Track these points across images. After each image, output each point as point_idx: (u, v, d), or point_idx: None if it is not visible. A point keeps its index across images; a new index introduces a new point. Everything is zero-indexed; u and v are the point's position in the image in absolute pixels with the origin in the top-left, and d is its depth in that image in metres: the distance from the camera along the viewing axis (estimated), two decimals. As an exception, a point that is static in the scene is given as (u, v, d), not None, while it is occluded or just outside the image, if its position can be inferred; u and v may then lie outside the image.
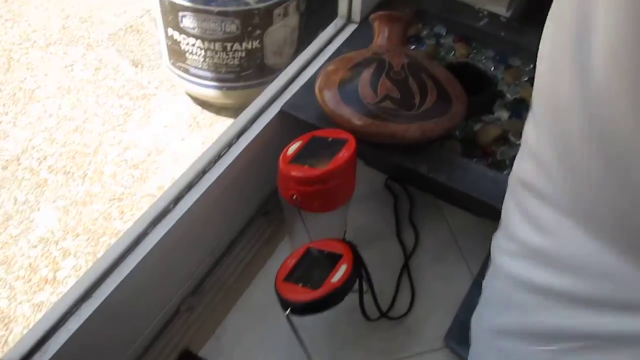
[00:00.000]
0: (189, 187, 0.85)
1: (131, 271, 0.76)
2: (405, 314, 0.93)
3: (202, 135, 1.51)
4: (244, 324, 0.93)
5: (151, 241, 0.79)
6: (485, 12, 1.13)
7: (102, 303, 0.73)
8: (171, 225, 0.81)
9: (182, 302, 0.94)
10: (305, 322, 0.92)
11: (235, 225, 1.01)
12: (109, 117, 1.57)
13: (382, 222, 1.04)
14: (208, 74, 1.41)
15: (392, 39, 0.96)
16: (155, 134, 1.52)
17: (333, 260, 0.77)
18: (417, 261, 1.00)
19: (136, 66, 1.70)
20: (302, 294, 0.72)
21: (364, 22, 1.10)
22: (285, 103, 0.95)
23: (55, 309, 0.72)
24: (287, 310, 0.73)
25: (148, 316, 0.89)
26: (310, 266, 0.78)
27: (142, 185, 1.43)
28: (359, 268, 0.78)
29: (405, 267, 0.98)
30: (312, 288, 0.72)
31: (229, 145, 0.90)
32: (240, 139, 0.91)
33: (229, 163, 0.88)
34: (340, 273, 0.75)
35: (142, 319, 0.88)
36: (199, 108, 1.58)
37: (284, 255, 1.00)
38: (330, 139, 0.83)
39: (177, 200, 0.83)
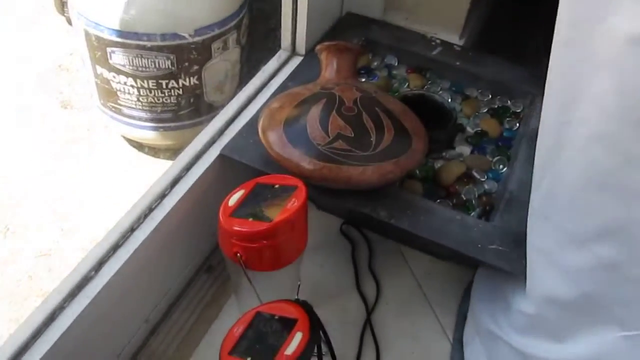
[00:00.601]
0: (115, 248, 0.72)
1: (44, 355, 0.63)
2: (371, 378, 0.83)
3: (140, 182, 1.38)
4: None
5: (68, 317, 0.66)
6: (438, 41, 1.06)
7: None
8: (93, 295, 0.68)
9: (113, 381, 0.81)
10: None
11: (174, 287, 0.89)
12: (35, 165, 1.43)
13: (340, 273, 0.94)
14: (143, 115, 1.29)
15: (342, 72, 0.87)
16: (88, 181, 1.39)
17: (286, 326, 0.66)
18: (380, 315, 0.90)
19: (65, 108, 1.56)
20: None
21: (310, 53, 1.01)
22: (225, 146, 0.84)
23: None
24: None
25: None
26: (260, 336, 0.66)
27: (72, 238, 1.28)
28: (316, 333, 0.66)
29: (368, 323, 0.88)
30: None
31: (162, 197, 0.78)
32: (174, 189, 0.79)
33: (161, 218, 0.76)
34: (295, 343, 0.64)
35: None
36: (134, 151, 1.45)
37: (231, 317, 0.89)
38: (277, 186, 0.73)
39: (99, 265, 0.70)
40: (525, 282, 0.70)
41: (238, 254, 0.70)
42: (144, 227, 0.75)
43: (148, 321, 0.85)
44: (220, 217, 0.70)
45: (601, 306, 0.58)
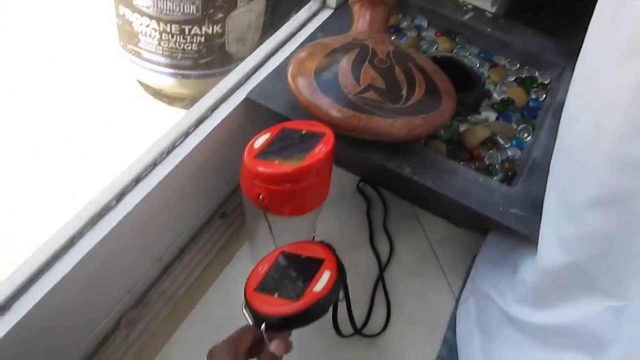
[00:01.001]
0: (136, 180, 0.72)
1: (62, 278, 0.63)
2: (380, 333, 0.83)
3: (154, 129, 1.37)
4: (195, 342, 0.80)
5: (88, 243, 0.66)
6: (470, 6, 1.04)
7: (23, 318, 0.60)
8: (113, 225, 0.68)
9: (123, 315, 0.81)
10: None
11: (188, 228, 0.89)
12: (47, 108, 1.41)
13: (354, 229, 0.94)
14: (162, 60, 1.28)
15: (374, 25, 0.86)
16: (100, 125, 1.38)
17: (313, 266, 0.66)
18: (391, 274, 0.90)
19: (82, 50, 1.54)
20: (279, 307, 0.60)
21: (340, 7, 1.00)
22: (252, 90, 0.83)
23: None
24: (261, 325, 0.60)
25: (81, 332, 0.75)
26: (287, 273, 0.66)
27: (81, 182, 1.28)
28: (343, 274, 0.66)
29: (380, 280, 0.88)
30: (291, 299, 0.60)
31: (186, 134, 0.77)
32: (199, 128, 0.79)
33: (184, 155, 0.75)
34: (323, 281, 0.63)
35: (74, 335, 0.74)
36: (150, 98, 1.44)
37: (243, 264, 0.89)
38: (303, 132, 0.72)
39: (120, 196, 0.70)
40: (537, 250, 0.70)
41: (261, 196, 0.69)
42: (166, 163, 0.74)
43: (161, 260, 0.85)
44: (245, 158, 0.69)
45: (590, 276, 0.58)
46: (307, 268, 0.63)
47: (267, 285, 0.62)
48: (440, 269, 0.91)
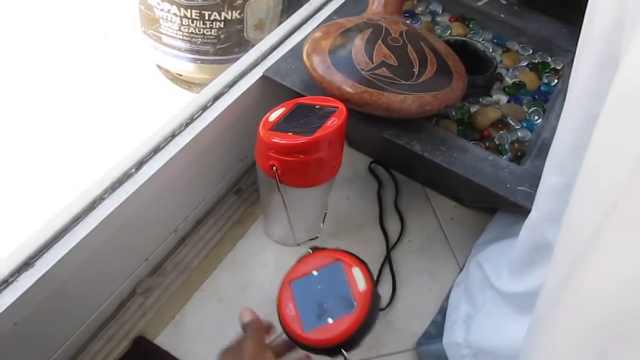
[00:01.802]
0: (155, 150, 0.75)
1: (82, 240, 0.66)
2: (385, 308, 0.85)
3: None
4: (207, 311, 0.83)
5: (107, 208, 0.69)
6: (485, -7, 1.06)
7: (44, 275, 0.63)
8: (132, 191, 0.70)
9: (139, 283, 0.84)
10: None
11: (205, 202, 0.91)
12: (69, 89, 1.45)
13: (365, 208, 0.96)
14: (182, 45, 1.31)
15: (389, 7, 0.88)
16: (119, 109, 1.41)
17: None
18: (401, 252, 0.92)
19: (105, 35, 1.58)
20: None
21: (357, -8, 1.02)
22: (269, 68, 0.86)
23: (-11, 278, 0.61)
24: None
25: (99, 296, 0.78)
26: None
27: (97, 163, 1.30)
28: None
29: (387, 258, 0.90)
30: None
31: (204, 108, 0.80)
32: (216, 103, 0.81)
33: (202, 128, 0.78)
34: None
35: (92, 299, 0.77)
36: (169, 83, 1.47)
37: (256, 238, 0.91)
38: (317, 107, 0.74)
39: (140, 164, 0.73)
40: None
41: (274, 167, 0.71)
42: (184, 135, 0.77)
43: (177, 232, 0.87)
44: (260, 130, 0.71)
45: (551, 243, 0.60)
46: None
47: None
48: (449, 248, 0.93)
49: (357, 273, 0.57)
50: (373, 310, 0.55)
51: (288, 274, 0.59)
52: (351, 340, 0.54)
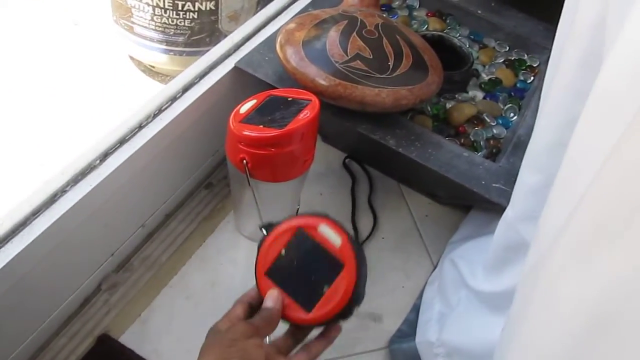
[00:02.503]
0: (121, 142, 0.72)
1: (42, 233, 0.63)
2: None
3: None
4: (175, 308, 0.80)
5: (70, 200, 0.66)
6: (462, -12, 1.05)
7: (3, 267, 0.60)
8: (95, 184, 0.68)
9: (104, 278, 0.81)
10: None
11: (174, 196, 0.89)
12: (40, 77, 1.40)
13: (338, 204, 0.94)
14: (155, 35, 1.27)
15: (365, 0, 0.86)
16: (90, 99, 1.37)
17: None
18: (375, 249, 0.90)
19: (76, 25, 1.53)
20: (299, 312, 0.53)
21: (333, -16, 1.00)
22: (241, 59, 0.83)
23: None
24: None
25: (62, 291, 0.75)
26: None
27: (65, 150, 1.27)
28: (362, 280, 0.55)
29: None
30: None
31: (173, 99, 0.78)
32: (186, 94, 0.79)
33: (170, 119, 0.76)
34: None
35: (55, 294, 0.74)
36: (142, 75, 1.43)
37: (227, 234, 0.89)
38: (290, 99, 0.72)
39: (105, 155, 0.70)
40: None
41: (244, 160, 0.69)
42: (151, 126, 0.75)
43: (145, 226, 0.85)
44: (231, 122, 0.69)
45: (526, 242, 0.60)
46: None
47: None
48: (424, 246, 0.92)
49: (325, 230, 0.54)
50: (360, 257, 0.53)
51: (257, 267, 0.55)
52: (357, 295, 0.52)
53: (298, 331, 0.55)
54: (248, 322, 0.50)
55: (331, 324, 0.54)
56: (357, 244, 0.54)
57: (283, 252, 0.55)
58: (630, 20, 0.37)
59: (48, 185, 0.66)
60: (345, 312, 0.52)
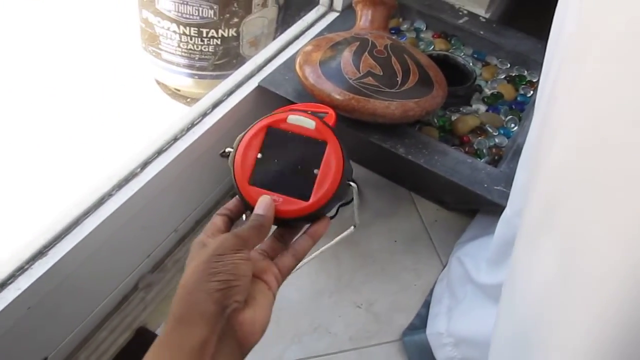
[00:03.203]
0: (159, 152, 0.81)
1: (91, 232, 0.71)
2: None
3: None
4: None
5: (115, 203, 0.74)
6: (465, 11, 1.13)
7: (56, 263, 0.68)
8: (137, 189, 0.76)
9: (141, 278, 0.89)
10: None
11: (203, 203, 0.97)
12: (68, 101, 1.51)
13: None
14: (181, 61, 1.37)
15: (375, 23, 0.95)
16: (117, 121, 1.47)
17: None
18: (389, 251, 0.97)
19: (105, 51, 1.64)
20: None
21: (345, 11, 1.09)
22: (264, 79, 0.92)
23: (6, 265, 0.66)
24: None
25: (104, 287, 0.83)
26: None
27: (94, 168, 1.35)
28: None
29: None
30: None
31: (204, 115, 0.87)
32: (215, 110, 0.88)
33: (201, 132, 0.84)
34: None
35: (98, 289, 0.82)
36: (167, 97, 1.53)
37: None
38: (308, 112, 0.80)
39: (145, 164, 0.79)
40: None
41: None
42: (185, 139, 0.83)
43: (177, 231, 0.93)
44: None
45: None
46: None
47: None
48: (433, 248, 0.99)
49: (295, 119, 0.53)
50: (336, 132, 0.52)
51: (236, 180, 0.53)
52: (347, 168, 0.51)
53: (286, 232, 0.53)
54: (235, 235, 0.47)
55: (330, 206, 0.51)
56: (325, 123, 0.53)
57: (259, 155, 0.53)
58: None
59: (96, 189, 0.74)
60: (340, 189, 0.50)
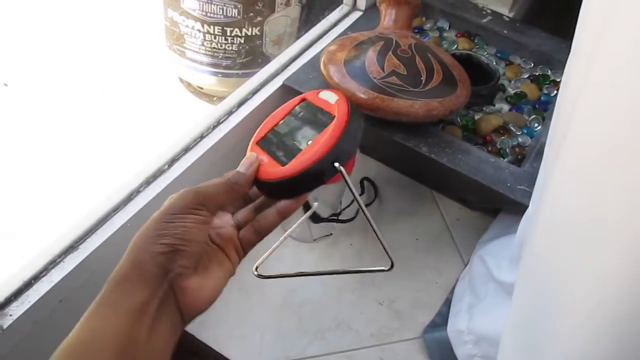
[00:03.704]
0: (186, 150, 0.82)
1: (120, 227, 0.73)
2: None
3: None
4: (230, 300, 0.90)
5: (143, 199, 0.76)
6: (489, 11, 1.13)
7: (87, 257, 0.70)
8: (164, 185, 0.78)
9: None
10: (295, 299, 0.90)
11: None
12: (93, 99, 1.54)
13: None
14: (205, 59, 1.39)
15: (399, 22, 0.96)
16: (141, 119, 1.50)
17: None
18: (411, 249, 0.98)
19: (128, 49, 1.67)
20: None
21: (369, 10, 1.10)
22: (288, 78, 0.93)
23: (39, 259, 0.68)
24: None
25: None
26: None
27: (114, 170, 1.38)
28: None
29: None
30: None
31: (229, 113, 0.88)
32: (240, 109, 0.89)
33: (227, 130, 0.86)
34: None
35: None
36: (190, 95, 1.55)
37: (273, 234, 0.98)
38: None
39: (172, 161, 0.80)
40: None
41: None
42: (211, 136, 0.85)
43: (202, 227, 0.94)
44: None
45: None
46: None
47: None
48: (455, 247, 0.99)
49: (325, 94, 0.52)
50: (353, 113, 0.49)
51: (253, 138, 0.55)
52: (338, 149, 0.47)
53: (265, 205, 0.51)
54: (196, 191, 0.45)
55: (306, 188, 0.49)
56: (354, 106, 0.51)
57: (281, 122, 0.53)
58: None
59: (125, 186, 0.76)
60: (321, 166, 0.47)
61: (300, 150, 0.49)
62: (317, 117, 0.51)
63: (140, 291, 0.41)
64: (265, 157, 0.51)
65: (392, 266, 0.53)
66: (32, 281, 0.67)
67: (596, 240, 0.44)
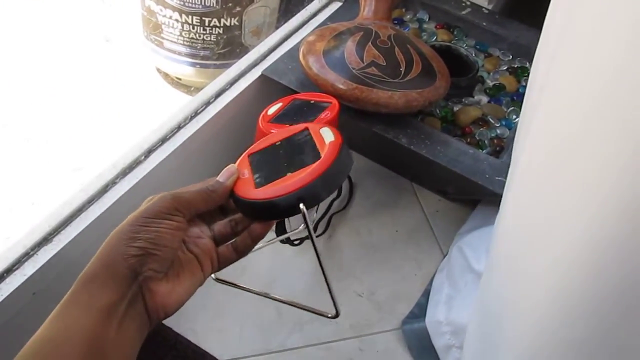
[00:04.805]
0: (163, 140, 0.81)
1: (96, 219, 0.72)
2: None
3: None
4: (209, 291, 0.89)
5: (119, 191, 0.75)
6: (468, 3, 1.13)
7: (61, 249, 0.69)
8: (141, 176, 0.77)
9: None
10: (274, 291, 0.90)
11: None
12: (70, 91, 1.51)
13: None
14: (183, 49, 1.37)
15: (379, 13, 0.95)
16: (119, 110, 1.47)
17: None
18: (390, 241, 0.98)
19: (107, 41, 1.64)
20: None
21: (349, 0, 1.09)
22: (267, 68, 0.92)
23: (11, 251, 0.67)
24: None
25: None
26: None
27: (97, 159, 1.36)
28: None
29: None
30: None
31: (207, 104, 0.87)
32: (219, 99, 0.88)
33: (205, 121, 0.85)
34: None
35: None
36: (168, 87, 1.53)
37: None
38: (312, 101, 0.81)
39: (149, 152, 0.79)
40: None
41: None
42: (189, 127, 0.84)
43: (180, 219, 0.93)
44: (260, 122, 0.78)
45: None
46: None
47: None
48: (434, 238, 1.00)
49: (325, 130, 0.51)
50: (341, 158, 0.48)
51: (248, 150, 0.55)
52: (311, 190, 0.46)
53: (241, 221, 0.51)
54: (174, 196, 0.45)
55: (270, 217, 0.49)
56: (347, 149, 0.50)
57: (278, 143, 0.54)
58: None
59: (101, 177, 0.75)
60: (286, 202, 0.46)
61: (277, 178, 0.48)
62: (307, 151, 0.51)
63: (110, 291, 0.41)
64: (247, 172, 0.51)
65: (337, 315, 0.55)
66: (5, 274, 0.66)
67: (551, 233, 0.46)
